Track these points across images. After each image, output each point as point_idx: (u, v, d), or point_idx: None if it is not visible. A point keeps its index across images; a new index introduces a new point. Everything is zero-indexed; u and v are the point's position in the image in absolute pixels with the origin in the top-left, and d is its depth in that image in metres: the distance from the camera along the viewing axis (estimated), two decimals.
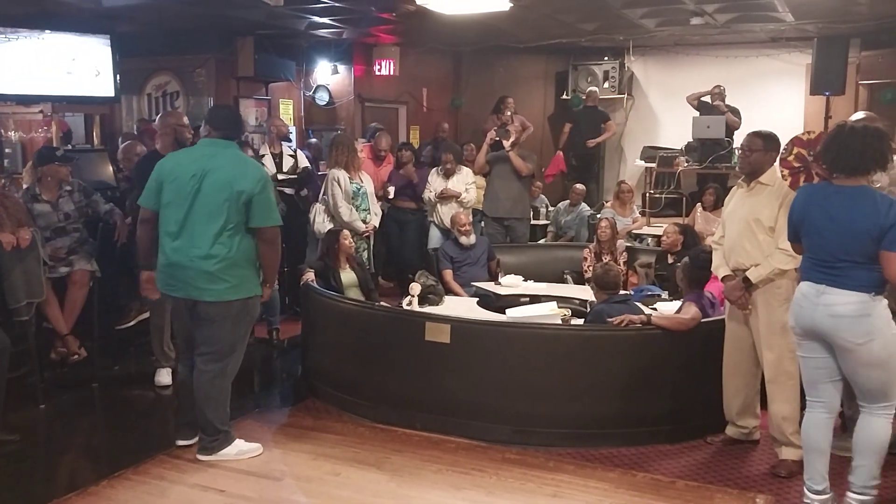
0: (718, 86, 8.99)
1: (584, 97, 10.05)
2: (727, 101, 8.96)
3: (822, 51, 8.43)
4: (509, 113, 9.14)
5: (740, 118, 8.81)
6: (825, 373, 3.42)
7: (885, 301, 3.30)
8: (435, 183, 7.41)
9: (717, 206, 7.70)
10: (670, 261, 6.23)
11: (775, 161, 4.03)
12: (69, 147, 6.80)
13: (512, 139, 7.29)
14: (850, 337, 3.24)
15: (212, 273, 3.84)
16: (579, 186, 8.72)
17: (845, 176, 3.29)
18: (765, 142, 4.03)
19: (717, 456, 4.21)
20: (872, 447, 3.34)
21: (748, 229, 3.97)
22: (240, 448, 4.11)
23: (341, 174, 6.37)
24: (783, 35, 8.86)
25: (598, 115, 9.92)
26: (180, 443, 4.17)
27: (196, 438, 4.13)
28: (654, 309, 5.29)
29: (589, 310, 5.22)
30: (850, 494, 3.39)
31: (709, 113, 8.80)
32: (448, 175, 7.42)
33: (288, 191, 6.92)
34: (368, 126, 8.99)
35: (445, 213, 7.29)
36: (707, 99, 9.01)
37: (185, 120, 5.43)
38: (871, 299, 3.23)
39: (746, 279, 3.95)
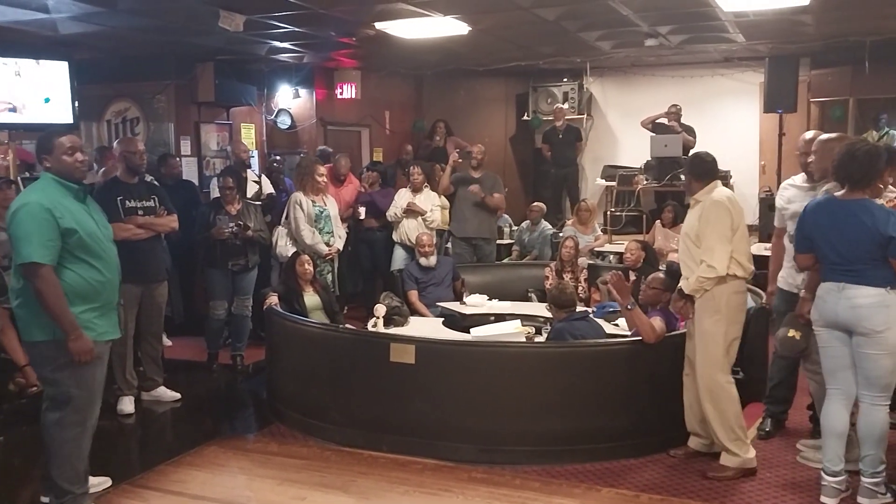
0: (675, 105, 9.18)
1: (550, 117, 10.18)
2: (683, 121, 9.14)
3: (773, 70, 8.66)
4: (437, 137, 9.46)
5: (695, 137, 9.00)
6: (842, 361, 3.73)
7: None
8: (402, 199, 7.45)
9: (675, 222, 7.87)
10: (632, 277, 6.32)
11: (705, 180, 4.17)
12: (26, 175, 6.71)
13: (476, 162, 7.46)
14: (871, 325, 3.57)
15: (13, 309, 3.64)
16: (537, 204, 8.82)
17: (850, 189, 3.66)
18: (687, 164, 4.35)
19: (681, 469, 4.26)
20: (875, 436, 3.66)
21: (684, 243, 4.21)
22: None
23: (302, 197, 6.38)
24: (736, 55, 9.10)
25: (572, 132, 10.03)
26: (44, 500, 3.76)
27: None
28: (616, 325, 5.38)
29: (549, 327, 5.28)
30: (864, 480, 3.70)
31: (665, 133, 8.97)
32: (416, 190, 7.47)
33: None
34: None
35: (410, 229, 7.31)
36: (663, 120, 9.18)
37: (140, 146, 5.40)
38: (888, 292, 3.58)
39: (681, 290, 4.15)
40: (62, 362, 3.51)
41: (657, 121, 9.19)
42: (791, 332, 4.04)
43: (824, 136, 4.32)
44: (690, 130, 9.04)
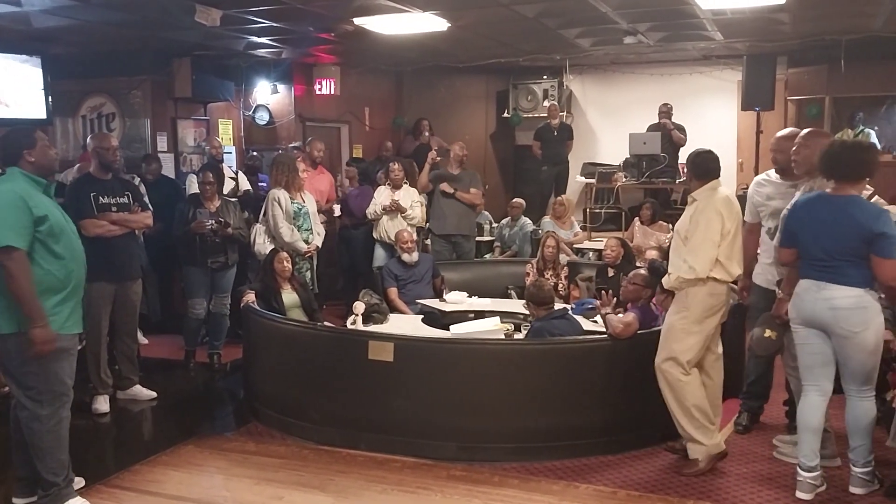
0: (666, 104, 9.20)
1: (531, 115, 10.17)
2: (673, 119, 9.17)
3: (751, 68, 8.72)
4: (427, 133, 9.40)
5: (686, 135, 9.03)
6: (820, 358, 3.76)
7: (876, 294, 3.68)
8: (381, 196, 7.41)
9: (654, 220, 7.91)
10: (611, 274, 6.36)
11: (703, 179, 4.15)
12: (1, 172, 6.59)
13: (458, 159, 7.45)
14: (849, 326, 3.61)
15: None
16: (517, 200, 8.83)
17: (839, 184, 3.68)
18: (689, 161, 4.32)
19: (658, 465, 4.27)
20: (863, 428, 3.73)
21: (675, 240, 4.22)
22: None
23: (282, 194, 6.31)
24: (714, 53, 9.16)
25: (565, 130, 10.04)
26: (15, 501, 3.75)
27: (35, 497, 3.72)
28: (595, 321, 5.38)
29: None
30: (854, 470, 3.77)
31: (656, 130, 8.99)
32: (396, 187, 7.43)
33: None
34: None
35: (391, 227, 7.27)
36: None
37: (113, 142, 5.31)
38: (866, 293, 3.63)
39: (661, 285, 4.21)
40: (28, 356, 3.50)
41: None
42: (768, 332, 4.04)
43: (807, 130, 4.26)
44: (681, 128, 9.08)
